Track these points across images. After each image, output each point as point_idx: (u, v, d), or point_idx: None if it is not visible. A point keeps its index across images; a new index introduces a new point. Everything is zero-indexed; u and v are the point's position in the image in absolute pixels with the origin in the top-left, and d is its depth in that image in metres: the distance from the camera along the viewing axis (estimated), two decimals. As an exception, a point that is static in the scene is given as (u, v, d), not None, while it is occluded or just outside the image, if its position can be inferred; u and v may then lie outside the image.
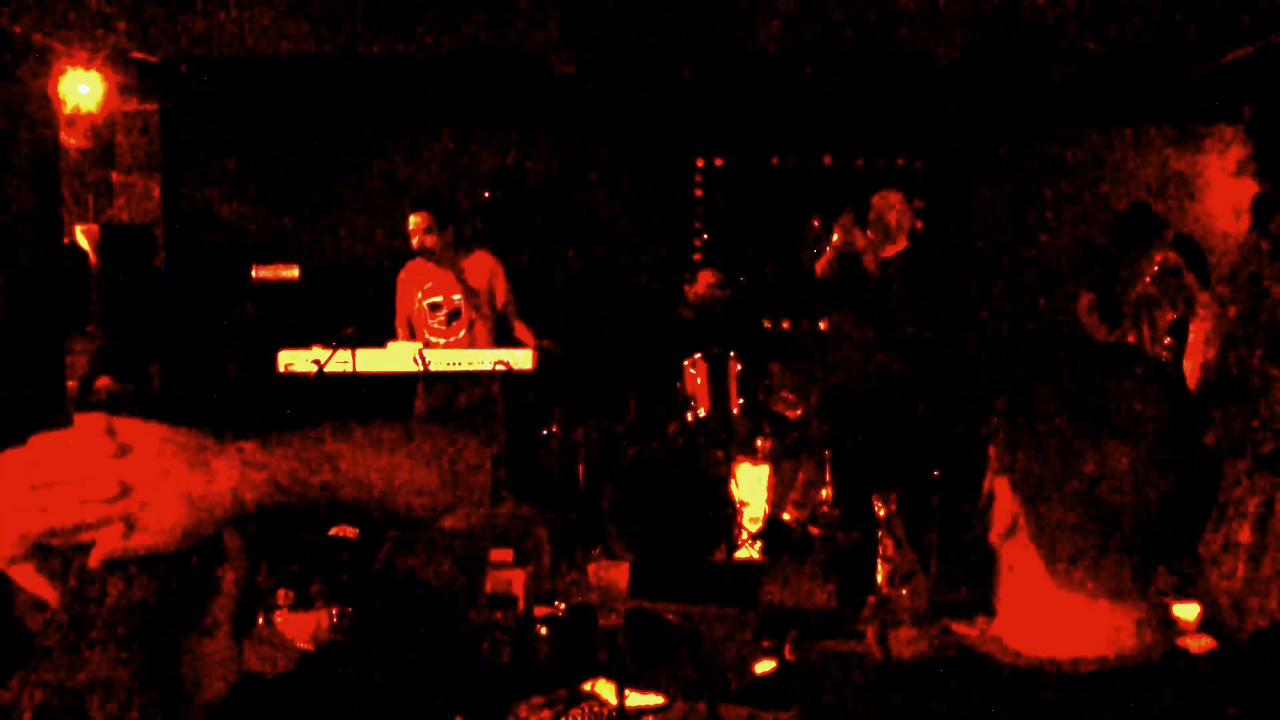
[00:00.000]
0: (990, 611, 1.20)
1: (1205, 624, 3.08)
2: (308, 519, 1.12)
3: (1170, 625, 1.14)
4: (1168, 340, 4.55)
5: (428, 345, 5.49)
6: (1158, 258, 4.84)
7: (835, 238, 5.43)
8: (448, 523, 1.20)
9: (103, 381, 5.62)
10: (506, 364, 5.24)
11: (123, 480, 0.97)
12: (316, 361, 4.91)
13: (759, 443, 6.18)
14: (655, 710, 3.29)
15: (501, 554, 4.17)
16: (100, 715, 1.06)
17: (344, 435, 1.09)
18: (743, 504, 5.62)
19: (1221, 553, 3.10)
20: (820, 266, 5.42)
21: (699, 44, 5.98)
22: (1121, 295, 4.92)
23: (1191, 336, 3.30)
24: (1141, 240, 4.92)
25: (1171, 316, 4.58)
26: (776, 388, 6.37)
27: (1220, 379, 3.12)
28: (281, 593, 3.67)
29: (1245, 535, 3.05)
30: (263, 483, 1.02)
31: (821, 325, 5.74)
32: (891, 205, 5.39)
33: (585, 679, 3.42)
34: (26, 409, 5.11)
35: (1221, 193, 6.99)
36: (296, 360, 5.05)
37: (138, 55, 6.16)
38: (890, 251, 5.38)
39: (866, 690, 1.18)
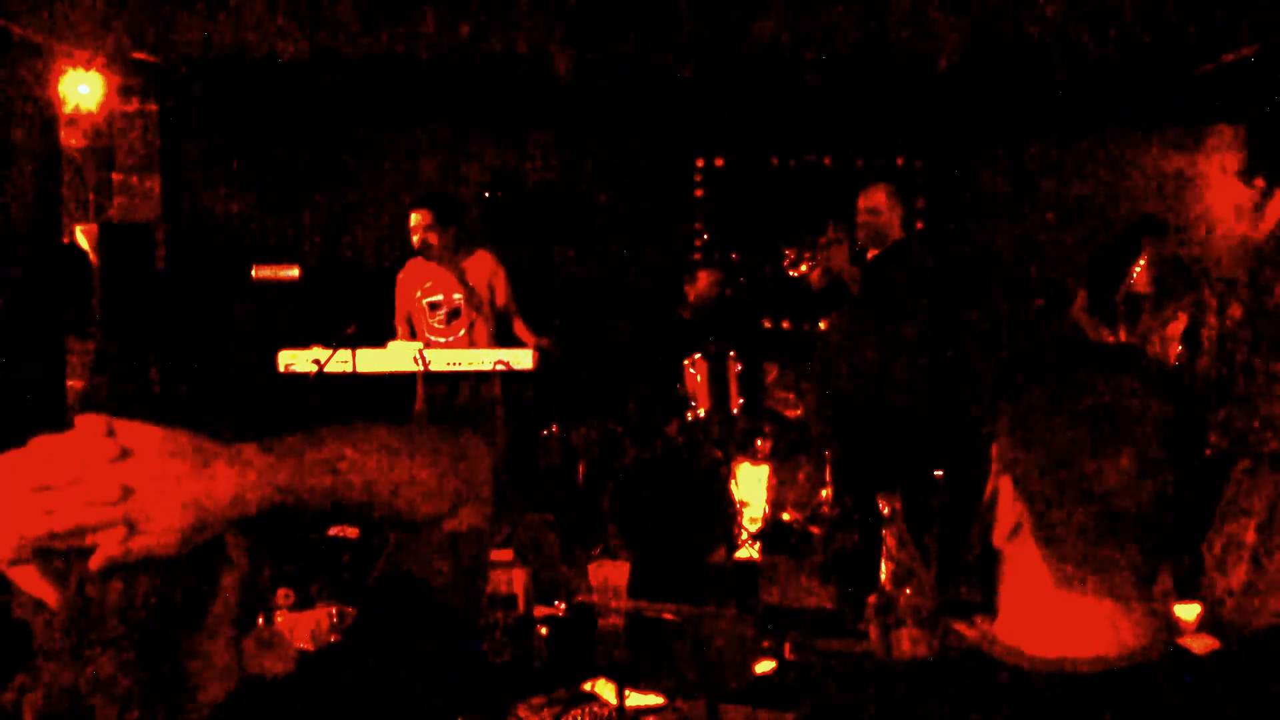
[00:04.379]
0: (991, 611, 1.20)
1: (1208, 624, 3.08)
2: (309, 519, 1.11)
3: (1171, 625, 1.14)
4: (1171, 339, 4.55)
5: (428, 344, 5.49)
6: (1153, 256, 4.84)
7: (805, 265, 5.31)
8: (451, 524, 1.19)
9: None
10: (506, 364, 5.24)
11: (124, 483, 0.97)
12: (316, 361, 4.91)
13: (759, 443, 6.18)
14: (655, 710, 3.29)
15: (501, 554, 4.17)
16: (101, 716, 1.06)
17: (345, 437, 1.09)
18: (743, 504, 5.63)
19: (1225, 553, 3.10)
20: (814, 278, 5.40)
21: (698, 44, 5.98)
22: (1120, 295, 4.92)
23: (1201, 334, 3.31)
24: (1142, 243, 4.91)
25: (1174, 315, 4.58)
26: (776, 388, 6.38)
27: (1221, 376, 3.12)
28: (281, 593, 3.68)
29: (1249, 535, 3.05)
30: (264, 485, 1.02)
31: (821, 325, 5.73)
32: (877, 204, 5.26)
33: (585, 679, 3.42)
34: (26, 409, 5.12)
35: (1221, 193, 6.99)
36: (296, 360, 5.05)
37: (138, 55, 6.16)
38: (877, 251, 5.31)
39: (867, 690, 1.18)
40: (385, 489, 1.11)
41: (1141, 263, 4.83)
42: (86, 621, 1.03)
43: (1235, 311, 3.20)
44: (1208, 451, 3.13)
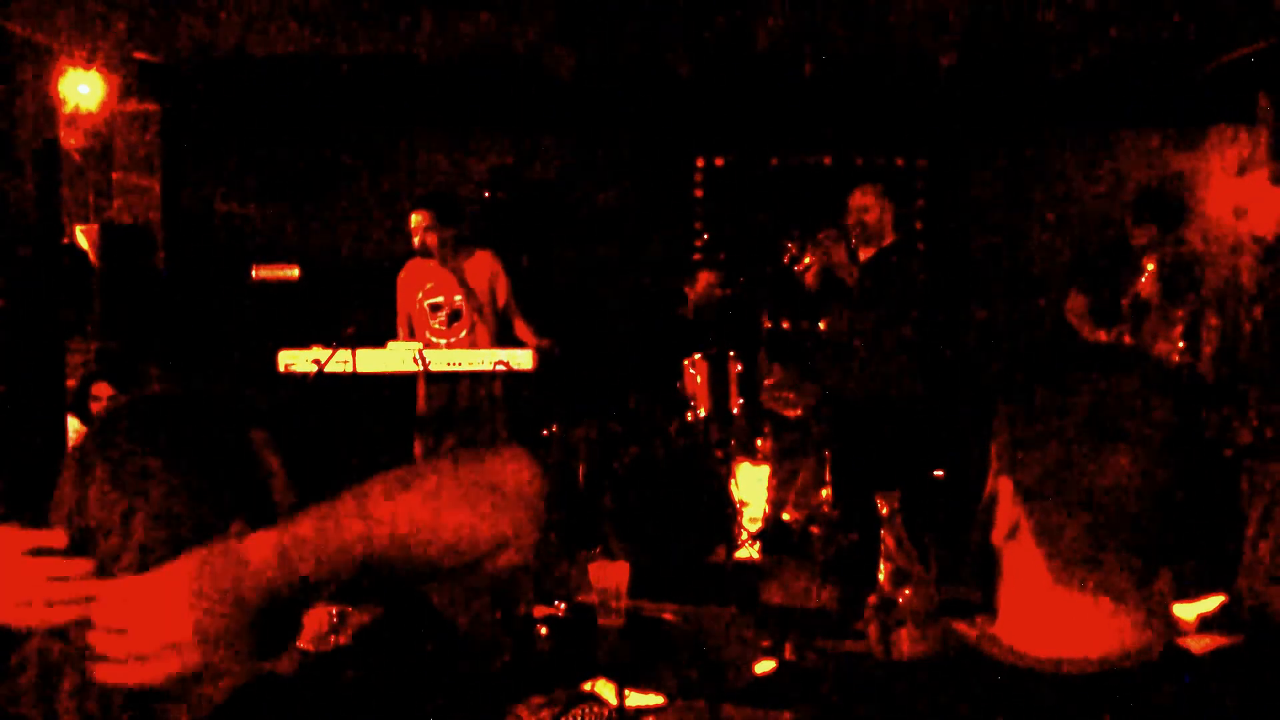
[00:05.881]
0: (991, 611, 1.19)
1: (1240, 621, 3.08)
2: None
3: (1171, 625, 1.14)
4: (1177, 341, 4.55)
5: (428, 345, 5.48)
6: (1160, 259, 4.84)
7: (809, 259, 5.34)
8: (493, 566, 1.12)
9: (103, 389, 5.61)
10: (506, 364, 5.24)
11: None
12: (316, 361, 4.91)
13: (759, 443, 6.18)
14: (655, 710, 3.28)
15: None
16: (66, 688, 1.06)
17: (354, 512, 1.05)
18: (743, 504, 5.62)
19: (1275, 554, 3.09)
20: (809, 279, 5.42)
21: (698, 43, 5.98)
22: (1127, 299, 4.91)
23: (1202, 334, 3.31)
24: (1163, 226, 4.89)
25: (1180, 315, 4.58)
26: (776, 388, 6.37)
27: (1232, 376, 3.12)
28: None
29: None
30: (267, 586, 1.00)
31: (821, 325, 5.73)
32: (869, 204, 5.32)
33: (585, 679, 3.42)
34: (26, 409, 5.11)
35: (1221, 193, 6.99)
36: (296, 360, 5.05)
37: (138, 55, 6.16)
38: (872, 251, 5.33)
39: (866, 690, 1.18)
40: (408, 560, 1.06)
41: (1149, 267, 4.83)
42: None
43: (1255, 312, 3.20)
44: (1228, 452, 3.13)
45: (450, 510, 1.08)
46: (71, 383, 5.81)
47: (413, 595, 1.19)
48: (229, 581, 0.98)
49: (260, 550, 1.00)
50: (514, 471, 1.14)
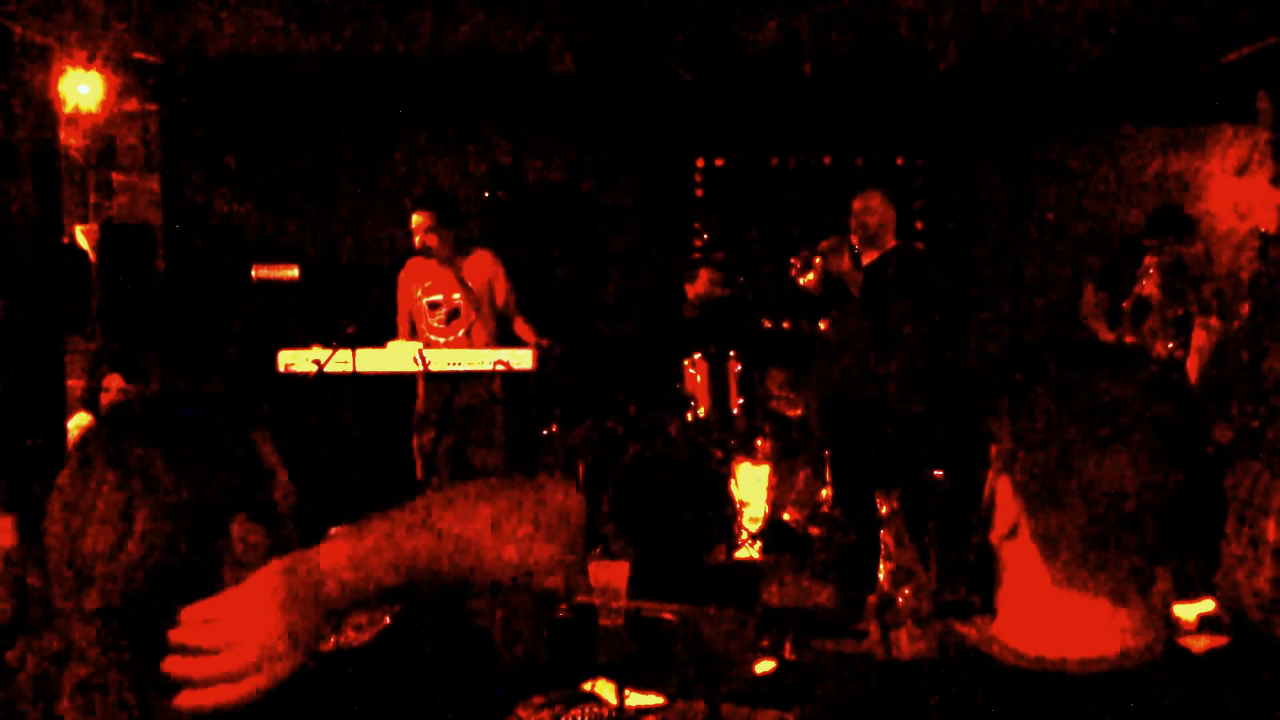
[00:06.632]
0: (990, 611, 1.19)
1: (1218, 620, 3.08)
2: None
3: (1171, 625, 1.14)
4: (1172, 342, 4.55)
5: (427, 344, 5.48)
6: (1162, 261, 4.84)
7: (817, 262, 5.37)
8: (538, 585, 1.17)
9: (114, 381, 5.61)
10: (506, 364, 5.23)
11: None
12: (316, 361, 4.90)
13: (759, 443, 6.18)
14: (655, 710, 3.28)
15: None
16: (68, 683, 1.06)
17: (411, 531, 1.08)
18: (743, 504, 5.62)
19: (1248, 552, 3.10)
20: (812, 282, 5.43)
21: (699, 44, 5.98)
22: (1129, 300, 4.92)
23: (1198, 334, 3.31)
24: (1170, 237, 4.92)
25: (1178, 315, 4.58)
26: (776, 388, 6.37)
27: (1226, 374, 3.12)
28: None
29: (1272, 534, 3.05)
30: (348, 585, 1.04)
31: (821, 325, 5.74)
32: (872, 207, 5.36)
33: (585, 679, 3.42)
34: (26, 409, 5.11)
35: (1221, 193, 6.99)
36: (296, 360, 5.04)
37: (138, 55, 6.15)
38: (874, 255, 5.35)
39: (867, 690, 1.18)
40: (470, 573, 1.10)
41: (1152, 271, 4.83)
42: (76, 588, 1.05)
43: (1242, 309, 3.20)
44: (1209, 449, 3.13)
45: (513, 531, 1.13)
46: (72, 382, 5.81)
47: (418, 599, 1.19)
48: (311, 590, 1.02)
49: (333, 559, 1.04)
50: (565, 499, 1.19)
